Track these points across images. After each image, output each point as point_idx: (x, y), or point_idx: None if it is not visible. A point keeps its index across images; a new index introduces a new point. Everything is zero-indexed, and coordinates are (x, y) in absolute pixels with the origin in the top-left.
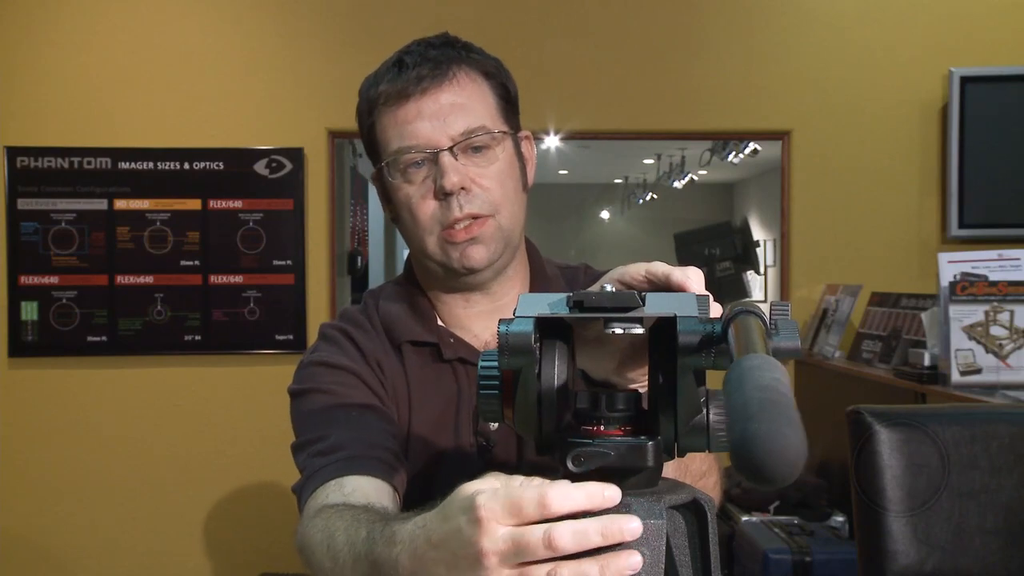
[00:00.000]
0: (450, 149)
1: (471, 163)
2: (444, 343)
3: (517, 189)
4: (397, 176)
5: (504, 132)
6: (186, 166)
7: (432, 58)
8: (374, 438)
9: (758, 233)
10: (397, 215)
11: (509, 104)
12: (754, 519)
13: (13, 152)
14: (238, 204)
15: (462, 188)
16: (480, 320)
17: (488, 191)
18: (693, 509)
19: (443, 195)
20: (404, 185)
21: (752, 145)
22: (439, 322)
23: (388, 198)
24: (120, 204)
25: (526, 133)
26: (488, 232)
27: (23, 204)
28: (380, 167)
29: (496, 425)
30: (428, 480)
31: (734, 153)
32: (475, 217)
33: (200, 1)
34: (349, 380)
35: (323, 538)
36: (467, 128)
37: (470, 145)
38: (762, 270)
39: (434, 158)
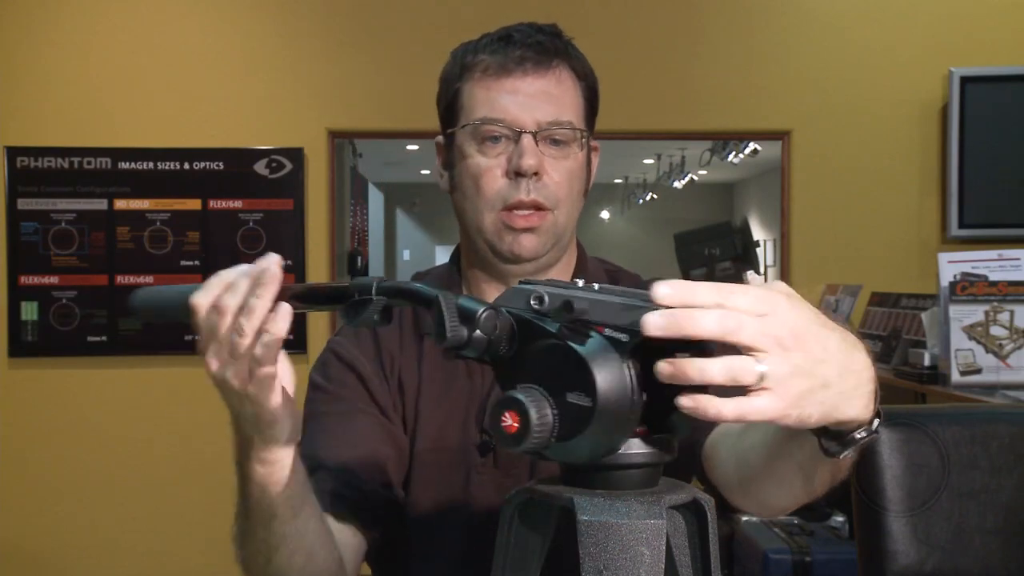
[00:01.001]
0: (534, 133)
1: (548, 152)
2: None
3: (579, 192)
4: (472, 145)
5: (584, 133)
6: (186, 166)
7: (539, 43)
8: (353, 477)
9: (758, 233)
10: (459, 183)
11: (592, 110)
12: (754, 519)
13: (13, 152)
14: (238, 204)
15: (535, 173)
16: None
17: (557, 184)
18: (693, 509)
19: (515, 175)
20: (477, 155)
21: (752, 145)
22: None
23: (451, 165)
24: (120, 204)
25: (596, 146)
26: (546, 226)
27: (23, 204)
28: (452, 132)
29: None
30: (429, 468)
31: (734, 153)
32: (538, 207)
33: (200, 1)
34: (352, 385)
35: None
36: (555, 119)
37: (552, 136)
38: (762, 270)
39: (516, 137)
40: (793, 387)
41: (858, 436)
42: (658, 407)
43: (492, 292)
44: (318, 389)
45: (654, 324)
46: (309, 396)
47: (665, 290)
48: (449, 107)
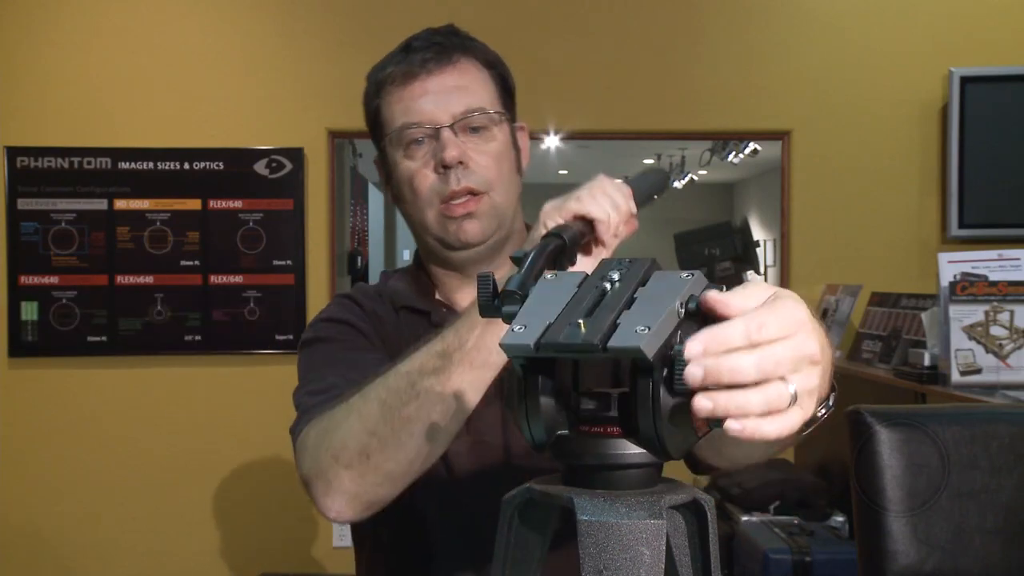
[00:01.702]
0: (451, 126)
1: (469, 141)
2: (436, 312)
3: (512, 171)
4: (399, 152)
5: (501, 114)
6: (186, 166)
7: (438, 43)
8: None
9: (758, 233)
10: (398, 192)
11: (507, 94)
12: (754, 519)
13: (13, 152)
14: (238, 204)
15: (460, 162)
16: (471, 298)
17: (485, 168)
18: (693, 509)
19: (442, 168)
20: (405, 160)
21: (752, 145)
22: (437, 296)
23: (389, 177)
24: (120, 204)
25: (521, 124)
26: (483, 209)
27: (23, 204)
28: (383, 146)
29: None
30: None
31: (734, 153)
32: (472, 192)
33: (200, 1)
34: (351, 332)
35: (346, 406)
36: (468, 108)
37: (469, 124)
38: (762, 270)
39: (435, 134)
40: (811, 398)
41: (820, 414)
42: (626, 407)
43: (454, 283)
44: (319, 341)
45: (694, 376)
46: (308, 351)
47: (697, 347)
48: (374, 125)
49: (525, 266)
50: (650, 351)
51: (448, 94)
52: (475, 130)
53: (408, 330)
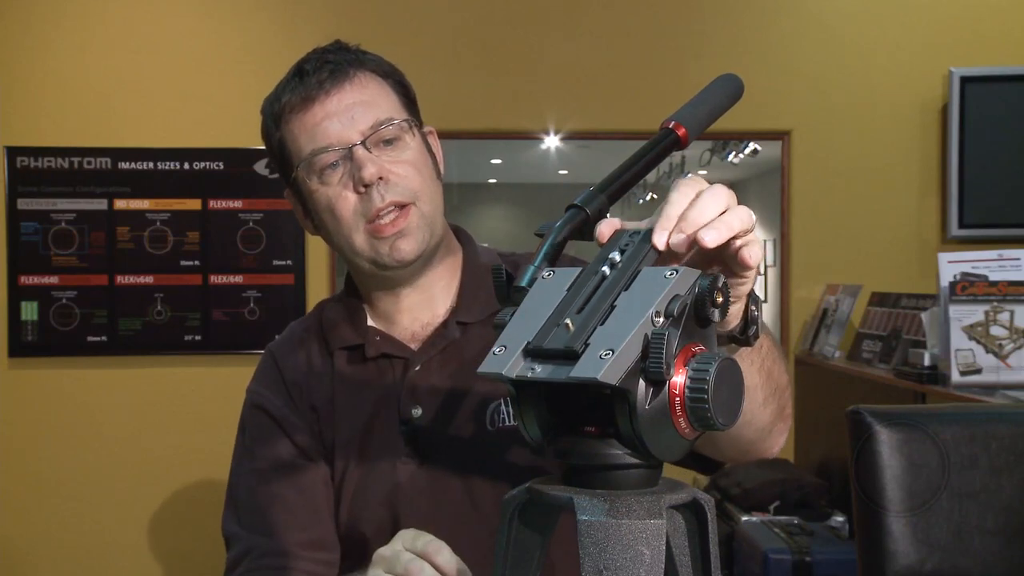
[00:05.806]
0: (362, 143)
1: (384, 154)
2: (370, 342)
3: (432, 177)
4: (313, 179)
5: (410, 122)
6: (186, 166)
7: (331, 61)
8: (294, 537)
9: (758, 233)
10: (319, 222)
11: (410, 101)
12: (754, 519)
13: (13, 152)
14: (238, 204)
15: (380, 178)
16: (409, 313)
17: (406, 179)
18: (693, 509)
19: (363, 187)
20: (321, 187)
21: (752, 145)
22: (369, 323)
23: (306, 209)
24: (120, 204)
25: (430, 129)
26: (413, 222)
27: (23, 204)
28: (293, 179)
29: (420, 411)
30: (356, 470)
31: (734, 153)
32: (398, 206)
33: (200, 1)
34: (265, 424)
35: None
36: (376, 121)
37: (381, 138)
38: (762, 270)
39: (348, 154)
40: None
41: (753, 311)
42: (599, 410)
43: (389, 303)
44: (243, 430)
45: (659, 242)
46: (237, 444)
47: (662, 235)
48: (280, 159)
49: (539, 256)
50: (611, 378)
51: (352, 111)
52: (388, 142)
53: (344, 372)
